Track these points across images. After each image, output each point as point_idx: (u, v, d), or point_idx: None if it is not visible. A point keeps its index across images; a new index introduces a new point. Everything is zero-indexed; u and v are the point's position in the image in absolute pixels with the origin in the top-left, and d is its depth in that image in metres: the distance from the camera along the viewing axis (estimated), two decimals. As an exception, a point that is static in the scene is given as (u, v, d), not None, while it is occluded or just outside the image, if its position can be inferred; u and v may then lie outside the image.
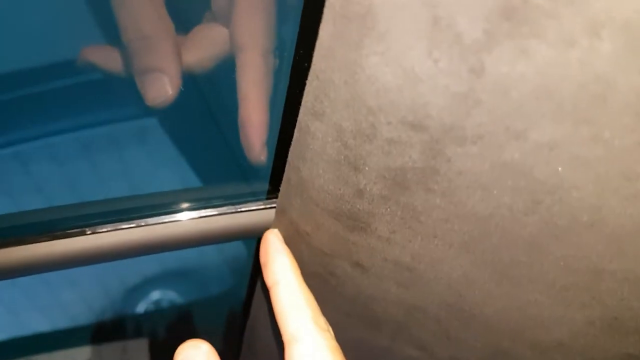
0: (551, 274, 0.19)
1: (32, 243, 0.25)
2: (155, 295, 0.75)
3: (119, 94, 0.33)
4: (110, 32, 0.24)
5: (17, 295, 0.65)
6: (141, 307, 0.75)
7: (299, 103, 0.20)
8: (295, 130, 0.21)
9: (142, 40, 0.23)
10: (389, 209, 0.21)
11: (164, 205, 0.28)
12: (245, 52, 0.23)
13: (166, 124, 0.38)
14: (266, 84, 0.24)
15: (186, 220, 0.27)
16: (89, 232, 0.26)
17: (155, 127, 0.39)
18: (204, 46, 0.25)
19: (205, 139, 0.37)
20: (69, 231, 0.25)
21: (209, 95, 0.30)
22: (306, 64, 0.19)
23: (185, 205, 0.28)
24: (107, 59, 0.25)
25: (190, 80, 0.28)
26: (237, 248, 0.55)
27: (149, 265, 0.70)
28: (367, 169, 0.19)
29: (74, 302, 0.69)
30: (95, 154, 0.40)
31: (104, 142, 0.40)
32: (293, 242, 0.27)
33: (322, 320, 0.24)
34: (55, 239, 0.25)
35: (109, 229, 0.26)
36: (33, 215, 0.26)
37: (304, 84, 0.19)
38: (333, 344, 0.23)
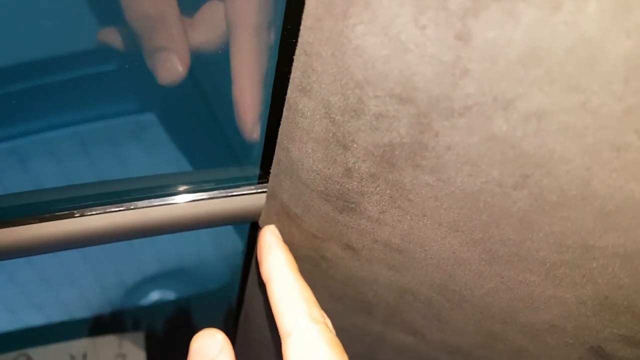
0: (541, 251, 0.19)
1: (19, 225, 0.25)
2: (155, 295, 0.75)
3: (116, 88, 0.33)
4: (110, 18, 0.24)
5: (14, 294, 0.65)
6: (139, 304, 0.75)
7: (288, 80, 0.20)
8: (284, 109, 0.21)
9: (146, 19, 0.23)
10: (378, 188, 0.20)
11: (154, 188, 0.27)
12: (237, 30, 0.23)
13: (163, 115, 0.37)
14: (259, 62, 0.24)
15: (177, 204, 0.27)
16: (77, 215, 0.25)
17: (153, 121, 0.38)
18: (210, 26, 0.25)
19: (199, 127, 0.36)
20: (57, 213, 0.25)
21: (203, 82, 0.30)
22: (294, 40, 0.18)
23: (176, 189, 0.27)
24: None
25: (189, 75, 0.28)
26: (234, 244, 0.55)
27: (148, 264, 0.70)
28: (355, 146, 0.19)
29: (71, 300, 0.69)
30: (93, 149, 0.40)
31: (102, 138, 0.39)
32: (284, 226, 0.27)
33: (317, 312, 0.24)
34: (44, 221, 0.25)
35: (98, 211, 0.26)
36: (21, 197, 0.26)
37: (292, 60, 0.19)
38: (329, 335, 0.23)
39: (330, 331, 0.24)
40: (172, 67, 0.24)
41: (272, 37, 0.23)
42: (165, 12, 0.23)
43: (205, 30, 0.25)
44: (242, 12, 0.23)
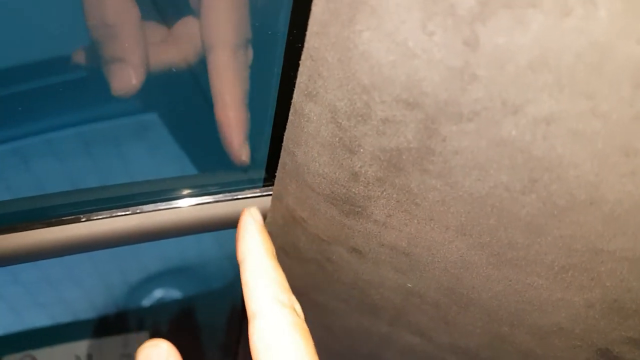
0: (549, 255, 0.19)
1: (25, 230, 0.25)
2: (158, 293, 0.75)
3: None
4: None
5: (19, 294, 0.65)
6: (143, 304, 0.75)
7: (294, 85, 0.20)
8: (290, 113, 0.21)
9: (105, 28, 0.22)
10: (384, 192, 0.20)
11: (160, 192, 0.27)
12: (215, 51, 0.23)
13: (166, 116, 0.37)
14: (241, 82, 0.24)
15: (182, 207, 0.27)
16: (83, 219, 0.25)
17: (156, 122, 0.38)
18: (186, 42, 0.24)
19: (203, 128, 0.36)
20: (63, 218, 0.25)
21: (205, 82, 0.30)
22: (299, 44, 0.18)
23: (181, 192, 0.27)
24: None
25: (187, 69, 0.28)
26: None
27: (152, 263, 0.70)
28: (361, 150, 0.19)
29: (76, 300, 0.69)
30: (96, 149, 0.40)
31: (105, 138, 0.39)
32: (290, 229, 0.27)
33: (286, 296, 0.24)
34: (50, 226, 0.25)
35: (104, 216, 0.26)
36: (27, 202, 0.26)
37: (298, 65, 0.19)
38: (295, 319, 0.23)
39: (298, 316, 0.23)
40: (125, 80, 0.24)
41: (251, 55, 0.23)
42: (124, 22, 0.22)
43: (182, 46, 0.24)
44: (217, 34, 0.22)
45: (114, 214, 0.26)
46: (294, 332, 0.22)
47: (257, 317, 0.23)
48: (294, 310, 0.23)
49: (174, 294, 0.75)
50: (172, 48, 0.25)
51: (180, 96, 0.32)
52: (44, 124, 0.36)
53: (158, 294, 0.74)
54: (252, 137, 0.26)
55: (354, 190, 0.21)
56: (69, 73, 0.29)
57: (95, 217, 0.26)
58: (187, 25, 0.24)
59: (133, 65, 0.24)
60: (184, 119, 0.37)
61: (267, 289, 0.24)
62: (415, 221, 0.21)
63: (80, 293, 0.69)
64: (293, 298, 0.24)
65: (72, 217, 0.25)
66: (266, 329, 0.22)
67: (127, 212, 0.26)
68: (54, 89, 0.30)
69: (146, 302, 0.75)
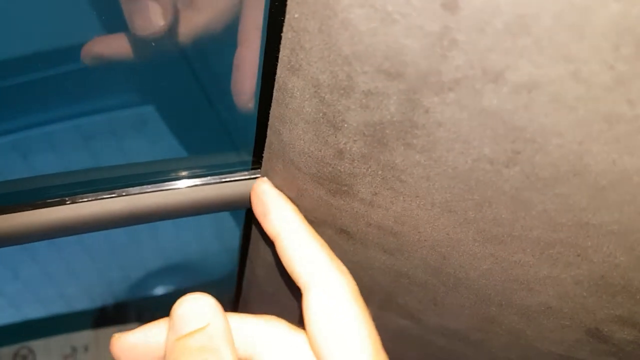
0: (535, 230, 0.18)
1: (10, 213, 0.24)
2: (159, 291, 0.75)
3: (117, 80, 0.32)
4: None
5: (18, 289, 0.65)
6: (141, 297, 0.75)
7: (277, 59, 0.19)
8: (274, 90, 0.21)
9: None
10: (369, 169, 0.20)
11: (146, 175, 0.27)
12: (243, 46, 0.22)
13: (160, 105, 0.37)
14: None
15: (169, 190, 0.27)
16: (68, 202, 0.25)
17: (155, 114, 0.38)
18: (211, 8, 0.23)
19: (194, 114, 0.36)
20: (48, 200, 0.25)
21: (199, 69, 0.30)
22: (281, 17, 0.18)
23: (169, 175, 0.27)
24: (113, 46, 0.24)
25: (182, 57, 0.28)
26: (237, 239, 0.55)
27: (151, 259, 0.70)
28: (346, 126, 0.19)
29: (75, 294, 0.69)
30: (95, 142, 0.39)
31: (104, 131, 0.39)
32: (278, 211, 0.27)
33: (338, 263, 0.23)
34: (35, 209, 0.25)
35: (89, 198, 0.26)
36: (13, 184, 0.26)
37: (280, 37, 0.19)
38: (353, 287, 0.22)
39: (354, 283, 0.23)
40: (152, 18, 0.22)
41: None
42: None
43: (207, 11, 0.23)
44: (253, 31, 0.22)
45: (99, 197, 0.26)
46: (354, 300, 0.21)
47: (314, 286, 0.22)
48: (350, 277, 0.23)
49: (173, 289, 0.75)
50: (198, 14, 0.23)
51: (175, 85, 0.32)
52: (42, 116, 0.36)
53: (158, 290, 0.74)
54: (240, 117, 0.26)
55: (339, 168, 0.21)
56: (67, 64, 0.29)
57: (80, 200, 0.25)
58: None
59: (162, 2, 0.22)
60: (177, 107, 0.37)
61: (319, 257, 0.22)
62: (401, 198, 0.20)
63: (79, 287, 0.69)
64: (342, 265, 0.23)
65: (57, 199, 0.25)
66: (325, 297, 0.21)
67: (113, 195, 0.26)
68: (52, 81, 0.30)
69: (145, 296, 0.75)
